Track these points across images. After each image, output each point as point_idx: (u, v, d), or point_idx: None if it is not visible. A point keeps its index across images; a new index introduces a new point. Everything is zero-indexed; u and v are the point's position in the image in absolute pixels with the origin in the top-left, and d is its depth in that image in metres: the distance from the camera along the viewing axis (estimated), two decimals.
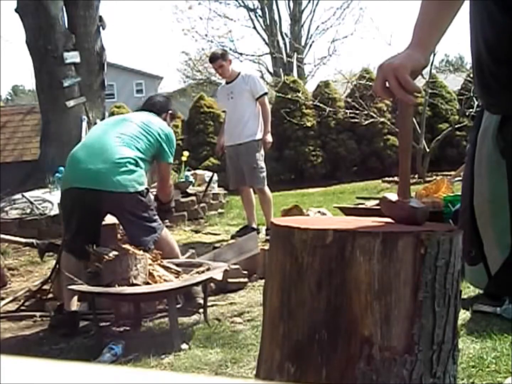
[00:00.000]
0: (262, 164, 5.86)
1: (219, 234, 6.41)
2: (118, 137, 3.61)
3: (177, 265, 3.52)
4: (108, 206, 3.54)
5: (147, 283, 3.17)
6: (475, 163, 1.55)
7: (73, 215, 3.58)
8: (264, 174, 5.87)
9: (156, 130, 3.73)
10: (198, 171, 8.66)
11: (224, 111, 6.33)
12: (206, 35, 21.88)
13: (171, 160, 3.85)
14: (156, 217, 3.66)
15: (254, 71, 6.60)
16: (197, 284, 3.44)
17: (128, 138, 3.61)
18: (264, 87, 6.08)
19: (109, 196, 3.45)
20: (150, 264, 3.31)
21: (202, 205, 7.54)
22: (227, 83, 6.04)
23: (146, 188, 3.63)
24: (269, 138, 5.81)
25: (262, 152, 5.89)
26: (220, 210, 7.93)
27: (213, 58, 5.97)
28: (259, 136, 5.82)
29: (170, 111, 4.05)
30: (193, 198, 7.41)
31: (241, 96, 5.84)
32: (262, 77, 21.77)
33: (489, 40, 1.42)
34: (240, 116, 5.83)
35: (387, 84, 1.36)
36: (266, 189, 5.92)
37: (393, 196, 1.46)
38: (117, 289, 3.08)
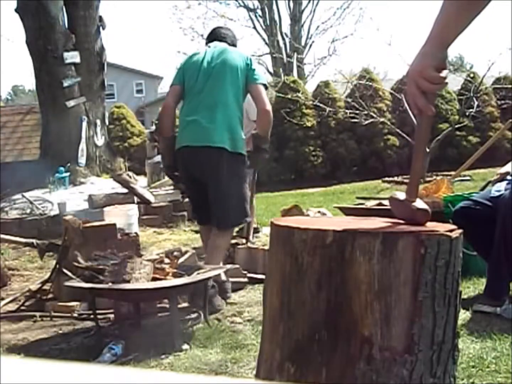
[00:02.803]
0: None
1: None
2: None
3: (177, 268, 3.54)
4: None
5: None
6: None
7: None
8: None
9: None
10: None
11: None
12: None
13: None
14: None
15: None
16: (197, 282, 3.44)
17: None
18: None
19: None
20: (162, 269, 3.33)
21: None
22: None
23: None
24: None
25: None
26: None
27: None
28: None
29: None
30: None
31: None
32: None
33: None
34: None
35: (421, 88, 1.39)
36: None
37: (401, 195, 1.48)
38: (117, 285, 3.10)
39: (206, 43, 4.10)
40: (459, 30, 1.47)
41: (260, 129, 3.83)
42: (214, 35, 4.09)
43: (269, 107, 3.79)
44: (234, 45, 4.05)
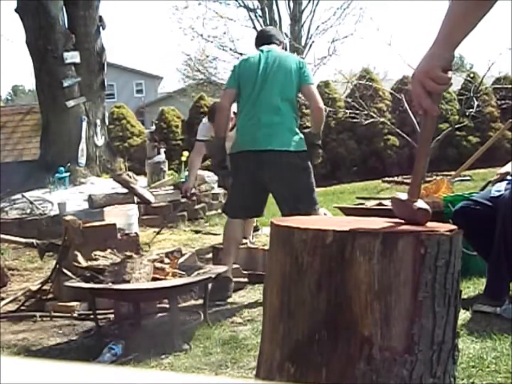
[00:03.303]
0: None
1: (219, 234, 6.40)
2: None
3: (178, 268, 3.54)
4: None
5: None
6: None
7: None
8: None
9: None
10: (198, 171, 8.66)
11: (200, 141, 5.63)
12: (205, 35, 21.88)
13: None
14: None
15: None
16: (197, 283, 3.45)
17: None
18: None
19: None
20: (162, 269, 3.33)
21: (202, 205, 7.54)
22: None
23: None
24: None
25: None
26: (220, 210, 7.93)
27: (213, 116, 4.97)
28: None
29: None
30: (194, 198, 7.41)
31: None
32: None
33: None
34: None
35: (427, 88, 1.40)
36: None
37: (403, 196, 1.48)
38: (117, 285, 3.10)
39: (256, 47, 4.23)
40: (467, 30, 1.47)
41: (314, 126, 4.09)
42: (263, 38, 4.24)
43: (322, 105, 4.03)
44: (281, 43, 4.24)
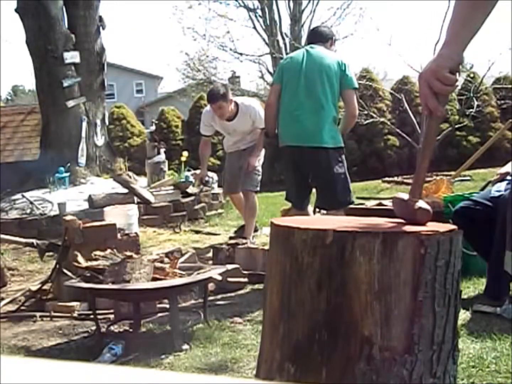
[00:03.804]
0: (259, 167, 5.61)
1: (219, 234, 6.41)
2: None
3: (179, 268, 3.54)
4: None
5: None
6: None
7: None
8: (259, 178, 5.59)
9: None
10: (199, 171, 8.65)
11: (205, 136, 5.78)
12: (205, 35, 21.88)
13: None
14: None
15: (251, 100, 6.04)
16: (197, 283, 3.45)
17: None
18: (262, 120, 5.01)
19: None
20: (162, 269, 3.33)
21: (202, 205, 7.54)
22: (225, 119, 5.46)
23: None
24: (254, 161, 5.45)
25: (262, 157, 5.67)
26: (220, 210, 7.93)
27: (212, 98, 5.28)
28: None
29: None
30: (193, 198, 7.41)
31: (243, 130, 5.50)
32: (262, 77, 21.73)
33: None
34: (243, 140, 5.62)
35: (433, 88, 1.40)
36: (253, 195, 5.56)
37: (405, 196, 1.48)
38: (117, 285, 3.10)
39: (306, 44, 4.51)
40: (476, 29, 1.47)
41: (343, 128, 4.34)
42: (312, 37, 4.43)
43: (357, 112, 4.36)
44: (331, 39, 4.39)
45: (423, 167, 1.48)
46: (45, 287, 4.09)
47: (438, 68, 1.39)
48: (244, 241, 5.12)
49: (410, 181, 1.61)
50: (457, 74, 1.41)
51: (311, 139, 4.05)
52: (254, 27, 20.98)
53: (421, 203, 1.44)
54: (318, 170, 4.15)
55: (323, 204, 4.40)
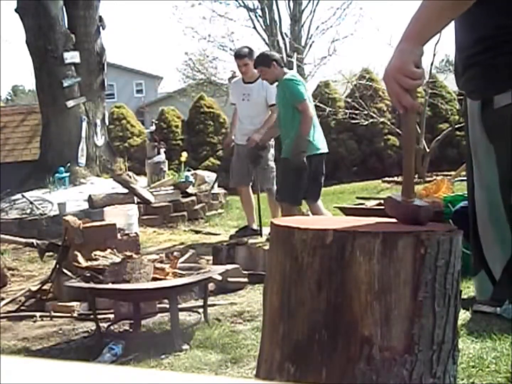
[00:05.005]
0: (272, 164, 5.85)
1: (219, 234, 6.41)
2: None
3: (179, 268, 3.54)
4: None
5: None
6: (471, 153, 1.62)
7: None
8: (274, 174, 5.79)
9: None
10: (198, 171, 8.67)
11: (233, 104, 6.18)
12: (206, 35, 21.88)
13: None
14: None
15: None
16: (197, 283, 3.45)
17: None
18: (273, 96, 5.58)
19: None
20: (162, 269, 3.33)
21: (202, 205, 7.54)
22: (244, 81, 5.90)
23: None
24: (257, 137, 5.61)
25: (272, 151, 5.88)
26: (220, 210, 7.93)
27: (240, 55, 5.82)
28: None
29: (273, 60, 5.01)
30: (193, 198, 7.41)
31: (257, 101, 5.77)
32: None
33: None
34: (254, 120, 5.78)
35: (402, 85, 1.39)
36: (275, 188, 5.74)
37: (397, 196, 1.46)
38: (117, 285, 3.09)
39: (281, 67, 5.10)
40: (440, 29, 1.47)
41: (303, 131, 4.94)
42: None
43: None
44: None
45: (410, 165, 1.46)
46: (45, 287, 4.09)
47: (403, 64, 1.37)
48: (244, 240, 5.14)
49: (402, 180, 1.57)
50: (421, 67, 1.40)
51: (325, 146, 5.07)
52: (254, 27, 21.00)
53: (419, 202, 1.43)
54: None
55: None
